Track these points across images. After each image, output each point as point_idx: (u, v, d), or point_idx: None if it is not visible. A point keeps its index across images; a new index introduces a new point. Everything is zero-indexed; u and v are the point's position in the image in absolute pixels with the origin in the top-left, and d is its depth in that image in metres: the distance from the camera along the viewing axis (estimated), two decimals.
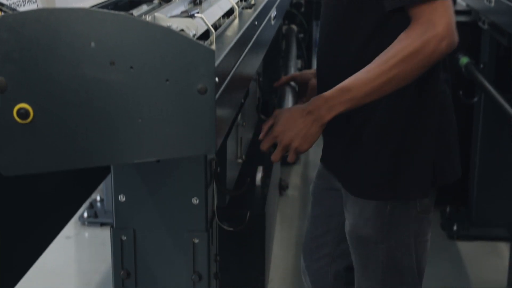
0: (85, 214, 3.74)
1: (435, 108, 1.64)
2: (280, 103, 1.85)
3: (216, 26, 1.49)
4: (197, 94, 1.09)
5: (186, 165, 1.47)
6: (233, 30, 1.49)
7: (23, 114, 1.06)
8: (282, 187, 4.01)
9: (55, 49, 1.06)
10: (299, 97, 1.94)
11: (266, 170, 2.84)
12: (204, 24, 1.32)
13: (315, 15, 4.48)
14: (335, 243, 1.93)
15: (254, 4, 1.81)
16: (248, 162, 2.65)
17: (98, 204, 3.86)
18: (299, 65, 4.03)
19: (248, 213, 1.88)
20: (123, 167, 1.50)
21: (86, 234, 3.68)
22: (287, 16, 4.09)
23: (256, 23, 1.71)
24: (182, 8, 1.56)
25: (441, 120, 1.66)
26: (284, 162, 2.14)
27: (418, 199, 1.67)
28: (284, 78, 1.99)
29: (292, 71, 3.37)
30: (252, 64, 1.67)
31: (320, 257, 1.97)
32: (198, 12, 1.35)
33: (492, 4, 2.97)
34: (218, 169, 1.54)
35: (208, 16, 1.39)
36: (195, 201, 1.49)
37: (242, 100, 2.06)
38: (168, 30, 1.08)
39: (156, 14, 1.31)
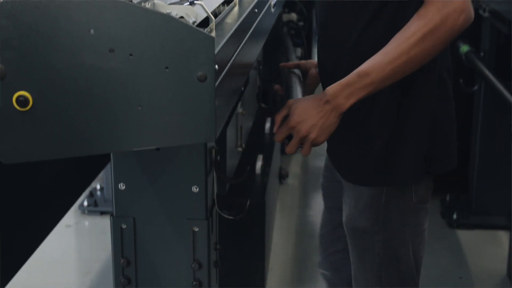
0: (85, 203, 3.74)
1: (432, 95, 1.62)
2: (288, 93, 1.81)
3: (216, 13, 1.48)
4: (197, 81, 1.08)
5: (186, 154, 1.47)
6: (233, 18, 1.48)
7: (22, 101, 1.06)
8: (282, 176, 4.01)
9: (55, 36, 1.05)
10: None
11: (266, 159, 2.84)
12: (203, 11, 1.31)
13: (315, 3, 4.46)
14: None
15: None
16: (248, 151, 2.65)
17: (98, 192, 3.86)
18: (299, 54, 4.02)
19: (248, 202, 1.88)
20: (123, 156, 1.50)
21: (86, 223, 3.69)
22: (287, 4, 4.07)
23: (256, 10, 1.71)
24: None
25: (438, 109, 1.64)
26: (284, 151, 2.13)
27: (413, 188, 1.66)
28: (290, 63, 1.98)
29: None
30: (252, 52, 1.66)
31: (335, 251, 1.95)
32: None
33: None
34: (218, 158, 1.54)
35: (207, 3, 1.39)
36: (195, 189, 1.48)
37: (242, 88, 2.06)
38: (167, 17, 1.07)
39: (156, 1, 1.31)
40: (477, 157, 3.52)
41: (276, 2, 2.24)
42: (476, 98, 3.53)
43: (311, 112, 1.54)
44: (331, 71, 1.66)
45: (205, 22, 1.33)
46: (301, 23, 4.19)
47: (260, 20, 1.75)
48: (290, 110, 1.58)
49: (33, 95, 1.06)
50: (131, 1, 1.36)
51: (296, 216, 3.72)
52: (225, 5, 1.60)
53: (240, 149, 2.37)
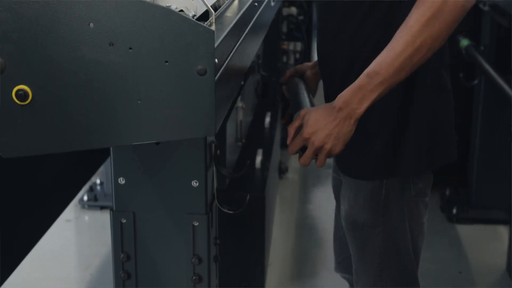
0: (85, 197, 3.74)
1: (431, 92, 1.62)
2: (297, 100, 1.75)
3: (215, 7, 1.48)
4: (197, 75, 1.08)
5: (186, 148, 1.47)
6: (233, 11, 1.48)
7: (22, 95, 1.06)
8: (282, 170, 4.01)
9: (54, 30, 1.05)
10: None
11: (266, 153, 2.83)
12: (203, 4, 1.31)
13: None
14: None
15: None
16: (248, 145, 2.65)
17: (98, 187, 3.86)
18: (299, 48, 4.02)
19: (248, 196, 1.87)
20: (122, 150, 1.49)
21: (86, 217, 3.69)
22: None
23: (256, 4, 1.70)
24: None
25: (437, 104, 1.64)
26: (284, 145, 2.13)
27: (413, 181, 1.66)
28: (288, 72, 1.94)
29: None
30: (252, 46, 1.66)
31: (350, 256, 1.91)
32: None
33: None
34: (218, 152, 1.54)
35: None
36: (194, 184, 1.48)
37: (242, 82, 2.05)
38: (167, 11, 1.07)
39: None
40: (477, 151, 3.52)
41: None
42: (476, 92, 3.52)
43: (324, 122, 1.48)
44: (331, 65, 1.66)
45: (205, 16, 1.32)
46: (301, 17, 4.19)
47: (260, 13, 1.75)
48: (303, 120, 1.51)
49: (32, 89, 1.06)
50: None
51: (296, 211, 3.71)
52: None
53: (240, 143, 2.38)
